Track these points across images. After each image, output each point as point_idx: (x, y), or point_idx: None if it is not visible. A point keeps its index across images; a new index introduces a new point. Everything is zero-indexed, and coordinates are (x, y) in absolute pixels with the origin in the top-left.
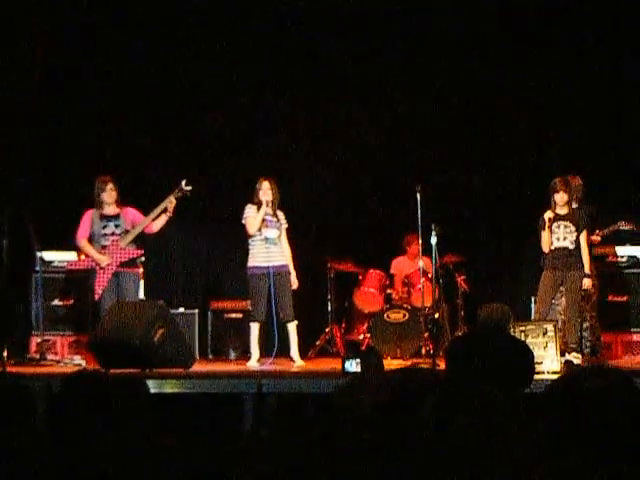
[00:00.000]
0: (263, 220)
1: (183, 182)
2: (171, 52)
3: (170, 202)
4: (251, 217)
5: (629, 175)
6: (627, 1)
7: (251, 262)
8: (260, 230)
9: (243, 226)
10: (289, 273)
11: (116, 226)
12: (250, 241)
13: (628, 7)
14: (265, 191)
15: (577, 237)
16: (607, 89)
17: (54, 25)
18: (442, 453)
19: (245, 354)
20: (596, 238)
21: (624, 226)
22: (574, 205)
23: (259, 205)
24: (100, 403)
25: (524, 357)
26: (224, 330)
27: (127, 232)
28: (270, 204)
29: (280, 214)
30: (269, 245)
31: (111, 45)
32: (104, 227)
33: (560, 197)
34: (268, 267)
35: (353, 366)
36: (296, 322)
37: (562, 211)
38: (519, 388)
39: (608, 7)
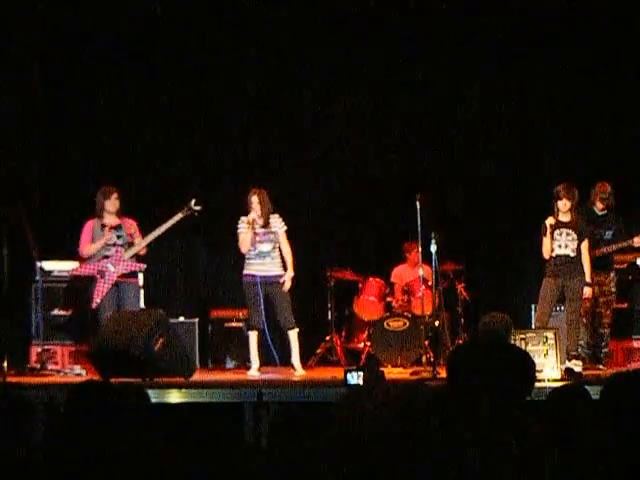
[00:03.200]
0: (256, 234)
1: (192, 201)
2: (173, 59)
3: (178, 220)
4: (241, 235)
5: None
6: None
7: (245, 270)
8: (253, 245)
9: (235, 240)
10: (284, 282)
11: (118, 237)
12: (245, 254)
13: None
14: (254, 206)
15: (579, 245)
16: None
17: (54, 26)
18: (445, 466)
19: (245, 363)
20: (638, 240)
21: None
22: (604, 211)
23: (250, 221)
24: (104, 413)
25: (525, 367)
26: (224, 339)
27: (130, 244)
28: (259, 219)
29: (275, 220)
30: (263, 257)
31: (112, 50)
32: None
33: (563, 204)
34: (264, 277)
35: (355, 378)
36: (297, 329)
37: (565, 218)
38: (520, 397)
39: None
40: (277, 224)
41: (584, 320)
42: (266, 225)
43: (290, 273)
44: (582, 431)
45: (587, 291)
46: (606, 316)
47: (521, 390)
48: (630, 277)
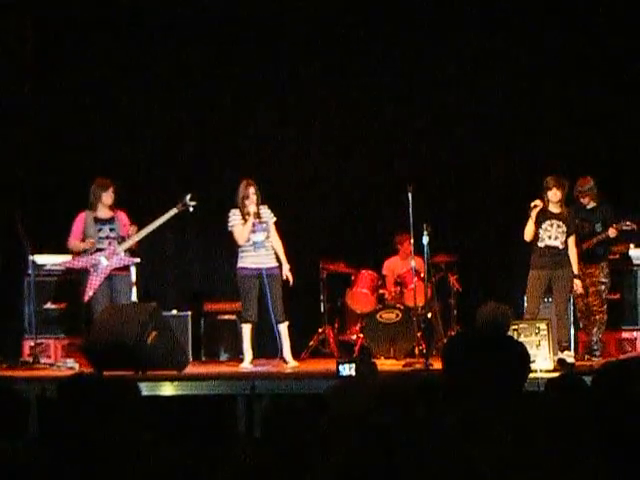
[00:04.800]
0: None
1: (188, 197)
2: (170, 54)
3: (172, 215)
4: (238, 227)
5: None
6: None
7: (240, 263)
8: (247, 236)
9: (230, 233)
10: (279, 275)
11: (111, 230)
12: (240, 246)
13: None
14: (251, 197)
15: (567, 238)
16: (610, 85)
17: (50, 23)
18: (435, 456)
19: (237, 356)
20: (613, 231)
21: (627, 226)
22: (592, 204)
23: (242, 209)
24: (94, 406)
25: (522, 359)
26: (217, 332)
27: (123, 238)
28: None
29: (264, 211)
30: (258, 248)
31: (107, 42)
32: (99, 230)
33: (553, 194)
34: (259, 269)
35: (347, 370)
36: (287, 323)
37: (555, 209)
38: (516, 388)
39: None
40: (267, 215)
41: (583, 319)
42: (258, 215)
43: (287, 266)
44: (579, 421)
45: (577, 283)
46: (596, 306)
47: (517, 381)
48: (626, 268)
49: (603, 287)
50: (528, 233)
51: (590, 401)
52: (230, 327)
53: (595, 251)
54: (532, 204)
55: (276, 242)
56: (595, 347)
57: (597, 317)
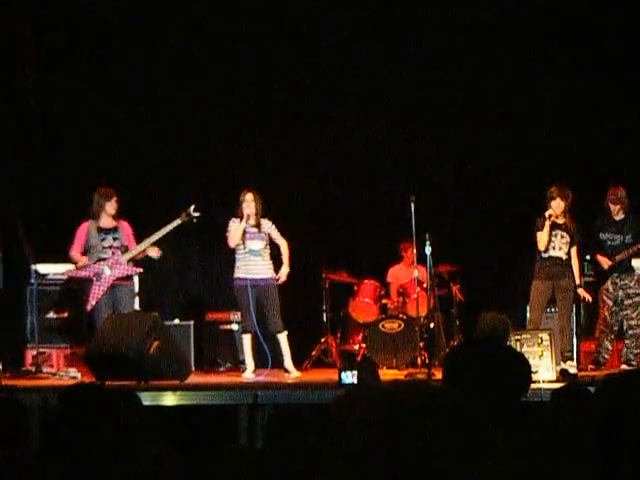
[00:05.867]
0: (245, 233)
1: (192, 207)
2: (173, 56)
3: (176, 226)
4: (232, 231)
5: None
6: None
7: (235, 274)
8: (244, 243)
9: (226, 239)
10: (273, 285)
11: (114, 239)
12: (235, 254)
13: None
14: (248, 203)
15: (570, 248)
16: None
17: (54, 23)
18: (438, 466)
19: (240, 365)
20: None
21: None
22: (621, 215)
23: (242, 218)
24: (95, 416)
25: (522, 369)
26: (219, 341)
27: (127, 248)
28: (252, 217)
29: (264, 223)
30: (254, 257)
31: (108, 51)
32: (102, 240)
33: (557, 204)
34: (251, 279)
35: (349, 378)
36: (286, 332)
37: (559, 220)
38: (516, 398)
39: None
40: (267, 226)
41: (602, 327)
42: (257, 226)
43: (286, 269)
44: (584, 430)
45: (582, 292)
46: (635, 319)
47: (516, 392)
48: None
49: (639, 299)
50: (542, 242)
51: (595, 411)
52: (232, 337)
53: (628, 261)
54: (547, 214)
55: (282, 244)
56: (631, 357)
57: (637, 331)
